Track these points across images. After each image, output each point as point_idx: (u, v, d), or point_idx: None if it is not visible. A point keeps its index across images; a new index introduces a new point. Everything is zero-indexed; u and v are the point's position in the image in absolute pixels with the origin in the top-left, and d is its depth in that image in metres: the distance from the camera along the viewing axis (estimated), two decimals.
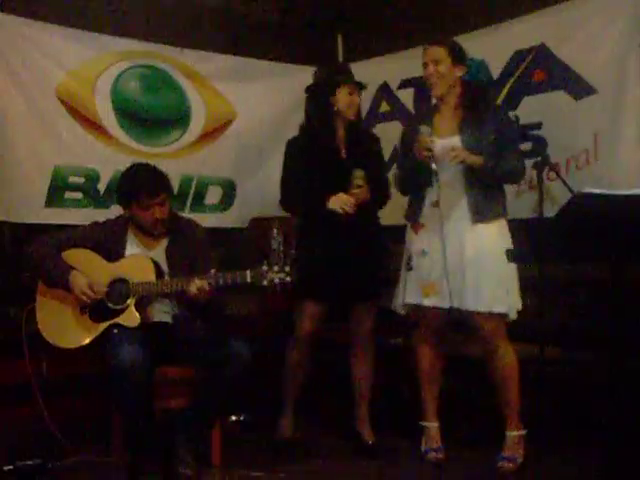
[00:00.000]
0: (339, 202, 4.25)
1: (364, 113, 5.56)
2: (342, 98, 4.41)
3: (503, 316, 4.09)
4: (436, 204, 4.10)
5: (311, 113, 4.50)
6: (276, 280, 3.93)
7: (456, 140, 4.10)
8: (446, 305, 4.11)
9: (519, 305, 4.13)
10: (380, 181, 4.52)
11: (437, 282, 4.13)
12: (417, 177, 4.17)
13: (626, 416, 3.41)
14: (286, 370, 4.56)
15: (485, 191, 4.10)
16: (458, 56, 4.14)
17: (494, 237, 4.10)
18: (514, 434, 4.17)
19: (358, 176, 4.28)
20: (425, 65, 4.16)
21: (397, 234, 4.48)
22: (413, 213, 4.26)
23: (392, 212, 4.60)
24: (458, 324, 4.28)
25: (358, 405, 4.58)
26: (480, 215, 4.08)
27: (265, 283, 3.93)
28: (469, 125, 4.11)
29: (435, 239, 4.11)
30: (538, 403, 4.48)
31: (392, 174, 4.62)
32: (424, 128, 4.07)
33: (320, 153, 4.42)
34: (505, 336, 4.15)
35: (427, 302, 4.18)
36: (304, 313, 4.46)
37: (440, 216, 4.07)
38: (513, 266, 4.09)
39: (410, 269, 4.27)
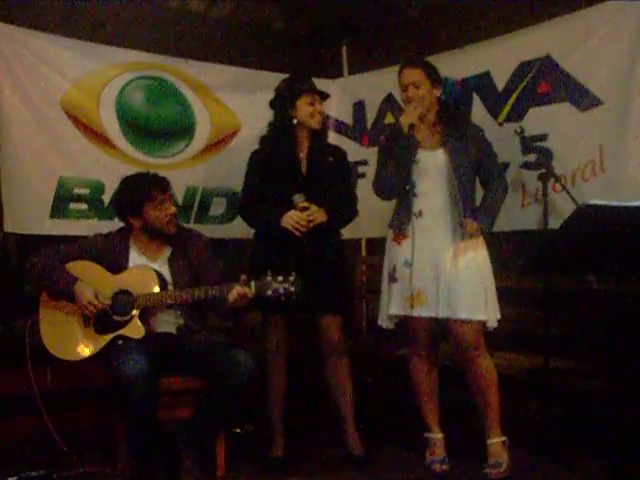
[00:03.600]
0: (290, 221, 4.27)
1: (369, 124, 5.59)
2: (303, 108, 4.42)
3: (482, 325, 4.13)
4: (419, 214, 4.18)
5: (273, 127, 4.51)
6: (280, 290, 3.93)
7: (440, 153, 4.19)
8: (431, 314, 4.17)
9: (498, 314, 4.19)
10: (342, 196, 4.51)
11: (421, 292, 4.16)
12: (397, 177, 4.21)
13: (629, 426, 3.41)
14: (266, 387, 4.52)
15: (469, 205, 4.18)
16: (435, 77, 4.24)
17: (474, 250, 4.16)
18: (495, 441, 4.21)
19: (298, 201, 4.29)
20: (404, 87, 4.24)
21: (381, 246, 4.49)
22: (398, 223, 4.28)
23: (375, 224, 4.61)
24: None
25: (342, 419, 4.54)
26: (462, 230, 4.13)
27: (269, 293, 3.95)
28: (451, 140, 4.19)
29: (417, 250, 4.17)
30: (542, 413, 4.48)
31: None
32: (411, 105, 4.21)
33: (280, 167, 4.43)
34: (483, 345, 4.18)
35: (414, 313, 4.20)
36: (269, 326, 4.48)
37: (423, 226, 4.17)
38: (491, 277, 4.20)
39: (395, 280, 4.29)
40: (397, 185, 4.25)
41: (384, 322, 4.41)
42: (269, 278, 3.95)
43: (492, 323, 4.14)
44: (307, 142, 4.49)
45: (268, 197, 4.43)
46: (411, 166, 4.17)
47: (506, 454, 4.18)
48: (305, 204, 4.29)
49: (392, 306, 4.30)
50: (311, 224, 4.27)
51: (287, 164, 4.44)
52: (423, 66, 4.24)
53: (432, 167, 4.19)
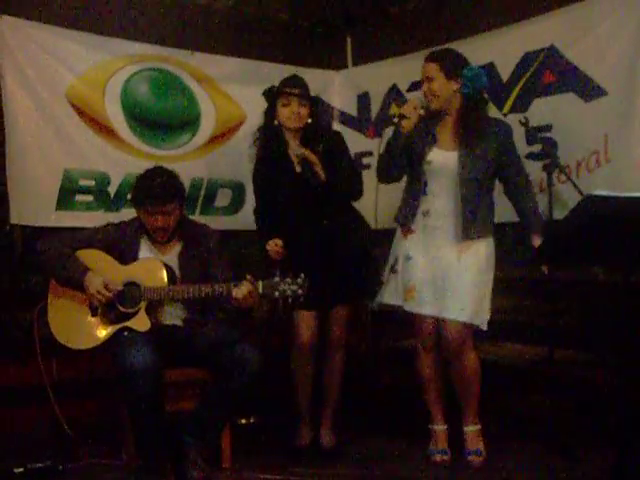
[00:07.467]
0: (270, 249, 4.31)
1: (374, 115, 5.59)
2: (279, 111, 4.43)
3: (469, 325, 4.16)
4: (427, 213, 4.21)
5: (261, 130, 4.57)
6: (288, 292, 3.93)
7: (454, 155, 4.16)
8: (423, 312, 4.22)
9: (488, 316, 4.20)
10: (345, 174, 4.48)
11: (416, 288, 4.20)
12: (399, 159, 4.22)
13: (634, 417, 3.42)
14: (295, 382, 4.53)
15: (477, 209, 4.17)
16: (452, 70, 4.15)
17: (479, 254, 4.18)
18: (472, 429, 4.30)
19: (299, 152, 4.37)
20: (422, 82, 4.23)
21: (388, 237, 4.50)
22: (405, 218, 4.29)
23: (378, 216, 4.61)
24: None
25: (324, 408, 4.57)
26: (469, 233, 4.15)
27: (277, 295, 3.94)
28: (468, 143, 4.15)
29: (420, 246, 4.23)
30: (547, 404, 4.49)
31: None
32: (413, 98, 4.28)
33: (275, 171, 4.48)
34: (470, 342, 4.23)
35: (406, 307, 4.25)
36: (300, 323, 4.47)
37: (429, 226, 4.21)
38: (490, 282, 4.21)
39: (395, 272, 4.32)
40: (384, 169, 4.29)
41: (375, 307, 4.48)
42: (277, 279, 3.93)
43: (484, 326, 4.18)
44: (296, 140, 4.49)
45: (274, 204, 4.46)
46: (421, 164, 4.18)
47: (482, 441, 4.28)
48: (304, 151, 4.37)
49: (385, 295, 4.36)
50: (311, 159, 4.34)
51: (280, 165, 4.47)
52: (439, 60, 4.16)
53: (443, 168, 4.17)
